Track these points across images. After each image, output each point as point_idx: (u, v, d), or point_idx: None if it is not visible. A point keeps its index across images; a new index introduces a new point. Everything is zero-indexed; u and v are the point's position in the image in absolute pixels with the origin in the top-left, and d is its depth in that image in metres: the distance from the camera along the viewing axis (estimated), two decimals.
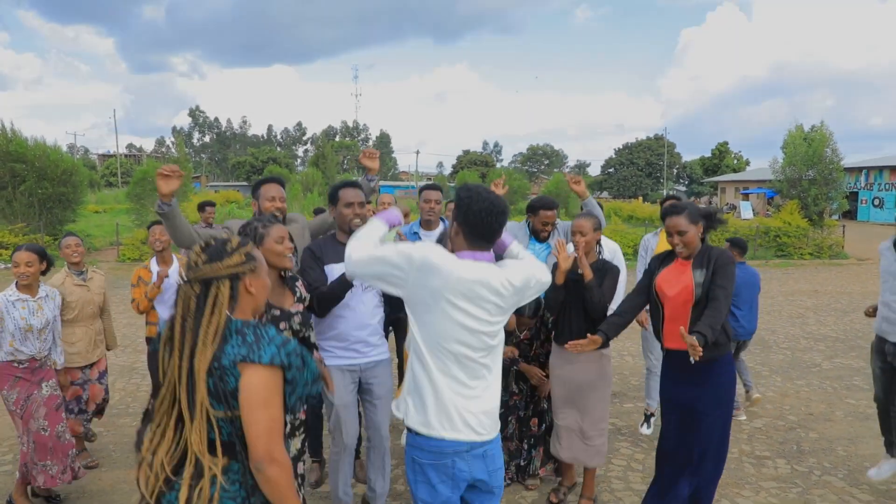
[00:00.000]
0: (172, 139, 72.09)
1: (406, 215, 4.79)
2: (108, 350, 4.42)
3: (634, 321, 4.68)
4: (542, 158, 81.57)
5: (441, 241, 3.21)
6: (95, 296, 4.24)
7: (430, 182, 4.51)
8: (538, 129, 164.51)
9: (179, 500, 1.51)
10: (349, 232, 3.10)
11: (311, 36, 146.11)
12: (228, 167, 70.48)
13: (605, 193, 62.04)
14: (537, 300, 3.62)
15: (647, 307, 3.25)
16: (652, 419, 4.79)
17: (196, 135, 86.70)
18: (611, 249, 4.03)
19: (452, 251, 2.10)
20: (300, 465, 2.86)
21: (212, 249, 1.66)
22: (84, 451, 4.25)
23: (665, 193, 60.59)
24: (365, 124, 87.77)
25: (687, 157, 68.08)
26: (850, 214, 33.25)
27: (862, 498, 3.81)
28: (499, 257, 2.24)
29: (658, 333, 3.16)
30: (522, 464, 3.89)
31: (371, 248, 2.06)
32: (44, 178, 15.66)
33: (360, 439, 3.53)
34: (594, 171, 72.99)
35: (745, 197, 37.27)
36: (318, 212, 5.15)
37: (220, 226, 4.26)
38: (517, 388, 3.84)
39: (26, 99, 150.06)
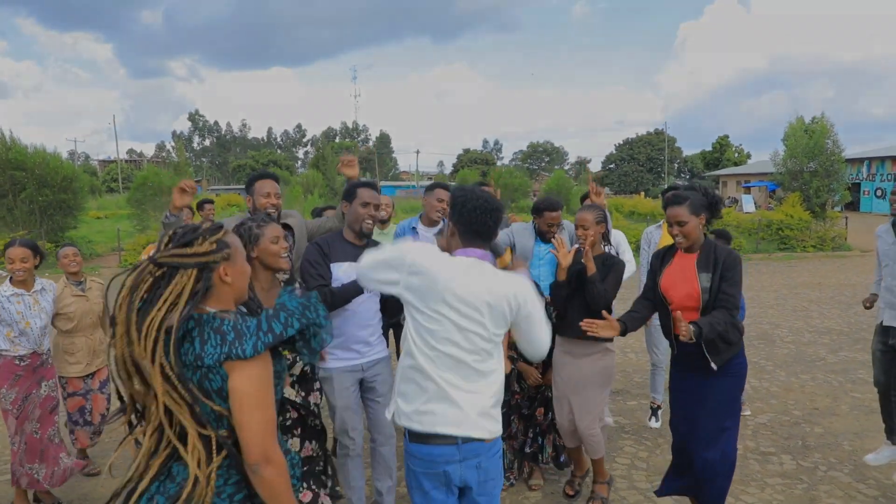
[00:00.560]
0: (172, 144, 72.09)
1: (388, 206, 4.69)
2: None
3: (634, 359, 4.70)
4: (542, 156, 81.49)
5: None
6: (95, 305, 4.21)
7: (436, 182, 4.43)
8: (538, 126, 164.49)
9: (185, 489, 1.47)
10: (359, 232, 3.08)
11: (308, 37, 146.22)
12: (229, 171, 70.57)
13: (606, 189, 61.84)
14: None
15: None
16: (659, 412, 4.78)
17: (196, 139, 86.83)
18: (615, 240, 4.02)
19: (449, 251, 2.11)
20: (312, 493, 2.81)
21: (180, 235, 1.57)
22: (87, 459, 4.24)
23: (666, 188, 60.54)
24: (365, 125, 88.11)
25: (688, 152, 68.03)
26: (853, 206, 33.13)
27: (868, 493, 3.78)
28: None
29: (668, 331, 3.11)
30: (528, 451, 3.84)
31: (377, 255, 2.11)
32: (44, 185, 15.68)
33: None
34: (595, 167, 72.86)
35: (747, 190, 37.18)
36: (315, 213, 5.11)
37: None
38: (518, 387, 3.82)
39: (26, 106, 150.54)
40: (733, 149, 60.73)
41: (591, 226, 3.36)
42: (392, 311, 3.16)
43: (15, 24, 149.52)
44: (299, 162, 79.90)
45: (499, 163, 72.85)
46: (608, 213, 3.53)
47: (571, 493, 3.68)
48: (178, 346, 1.48)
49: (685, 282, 2.90)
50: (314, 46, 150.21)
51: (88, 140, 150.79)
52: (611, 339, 3.45)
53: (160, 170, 20.47)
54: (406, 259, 2.00)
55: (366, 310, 3.11)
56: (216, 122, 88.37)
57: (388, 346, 3.38)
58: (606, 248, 3.58)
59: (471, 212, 2.06)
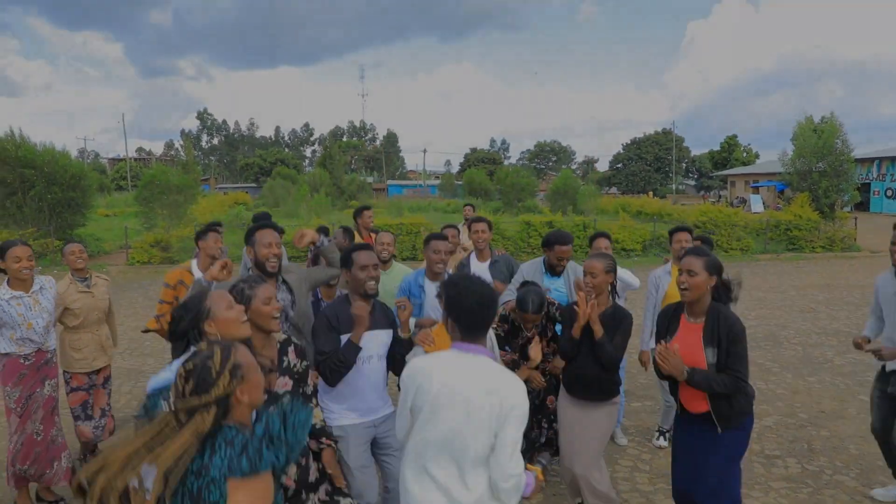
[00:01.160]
0: (181, 142, 72.53)
1: (390, 244, 4.48)
2: (113, 347, 4.41)
3: (638, 361, 4.57)
4: (549, 155, 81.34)
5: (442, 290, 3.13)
6: (100, 302, 4.24)
7: (432, 233, 4.22)
8: (545, 125, 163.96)
9: None
10: (364, 294, 3.07)
11: (316, 37, 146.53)
12: (237, 169, 70.86)
13: (613, 189, 61.70)
14: (541, 296, 3.60)
15: (654, 347, 3.06)
16: (668, 434, 4.54)
17: (204, 137, 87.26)
18: (622, 279, 3.99)
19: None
20: None
21: (197, 377, 1.61)
22: (94, 452, 4.28)
23: (674, 188, 60.30)
24: (372, 124, 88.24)
25: (696, 151, 67.74)
26: (863, 206, 32.84)
27: (875, 499, 3.73)
28: None
29: (675, 394, 3.06)
30: (544, 439, 3.82)
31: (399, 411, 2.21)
32: (53, 182, 15.78)
33: None
34: (602, 166, 72.69)
35: (755, 190, 36.94)
36: (314, 259, 4.83)
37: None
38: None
39: (37, 105, 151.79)
40: (742, 148, 60.34)
41: (599, 274, 3.28)
42: (399, 368, 3.14)
43: (27, 23, 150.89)
44: (306, 160, 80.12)
45: (506, 162, 72.73)
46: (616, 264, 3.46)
47: None
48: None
49: (692, 356, 2.83)
50: (322, 46, 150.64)
51: (98, 138, 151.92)
52: (618, 393, 3.40)
53: (167, 168, 20.54)
54: (402, 381, 2.14)
55: (377, 376, 3.14)
56: (224, 121, 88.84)
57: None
58: (615, 299, 3.48)
59: (469, 308, 2.10)
